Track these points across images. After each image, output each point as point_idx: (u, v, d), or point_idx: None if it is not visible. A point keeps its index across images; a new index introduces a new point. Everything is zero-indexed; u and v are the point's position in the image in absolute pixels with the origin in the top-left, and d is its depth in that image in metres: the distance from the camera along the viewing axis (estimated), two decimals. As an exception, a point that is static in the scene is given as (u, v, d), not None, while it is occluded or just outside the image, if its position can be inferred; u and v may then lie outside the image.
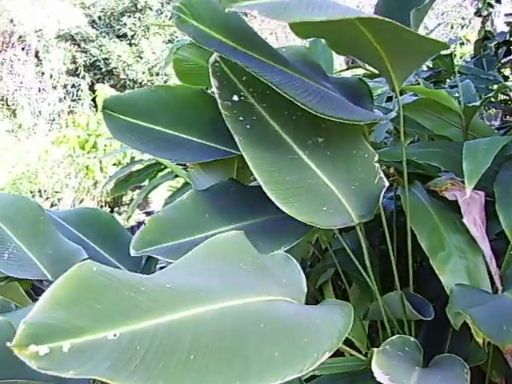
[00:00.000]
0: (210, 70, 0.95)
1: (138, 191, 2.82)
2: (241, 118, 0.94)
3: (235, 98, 0.95)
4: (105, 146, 6.98)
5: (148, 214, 5.13)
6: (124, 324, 0.48)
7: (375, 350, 0.77)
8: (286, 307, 0.64)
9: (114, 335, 0.46)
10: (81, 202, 6.74)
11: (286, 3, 0.74)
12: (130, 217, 2.76)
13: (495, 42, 2.68)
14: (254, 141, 0.93)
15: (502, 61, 2.62)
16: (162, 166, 2.02)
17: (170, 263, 0.74)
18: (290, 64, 0.98)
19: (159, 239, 0.88)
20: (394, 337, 0.86)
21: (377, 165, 0.98)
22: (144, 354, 0.47)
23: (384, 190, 0.95)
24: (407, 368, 0.78)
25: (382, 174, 0.97)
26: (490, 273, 1.00)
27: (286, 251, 0.92)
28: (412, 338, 0.87)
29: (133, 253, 0.86)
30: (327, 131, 0.98)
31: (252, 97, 0.96)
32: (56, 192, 6.74)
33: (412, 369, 0.79)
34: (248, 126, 0.93)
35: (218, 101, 0.94)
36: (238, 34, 0.96)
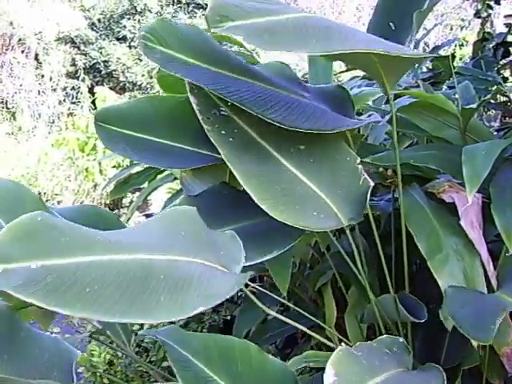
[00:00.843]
0: (188, 88, 0.96)
1: (137, 193, 2.82)
2: (223, 132, 0.94)
3: (215, 112, 0.96)
4: (104, 148, 6.96)
5: (147, 216, 5.12)
6: (47, 259, 0.63)
7: (339, 347, 0.71)
8: (199, 268, 0.72)
9: (36, 266, 0.62)
10: (80, 204, 6.73)
11: (272, 28, 0.74)
12: (129, 219, 2.76)
13: (493, 44, 2.68)
14: (239, 153, 0.94)
15: (501, 62, 2.62)
16: (162, 169, 2.02)
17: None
18: (264, 77, 0.99)
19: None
20: (383, 336, 0.87)
21: (360, 167, 0.99)
22: (50, 281, 0.61)
23: (369, 190, 0.96)
24: (377, 371, 0.73)
25: (365, 175, 0.97)
26: (486, 275, 1.00)
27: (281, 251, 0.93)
28: (401, 339, 0.87)
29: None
30: (307, 138, 0.99)
31: (230, 110, 0.97)
32: (56, 194, 6.74)
33: (380, 372, 0.73)
34: (231, 139, 0.94)
35: (199, 116, 0.95)
36: (207, 53, 0.98)
